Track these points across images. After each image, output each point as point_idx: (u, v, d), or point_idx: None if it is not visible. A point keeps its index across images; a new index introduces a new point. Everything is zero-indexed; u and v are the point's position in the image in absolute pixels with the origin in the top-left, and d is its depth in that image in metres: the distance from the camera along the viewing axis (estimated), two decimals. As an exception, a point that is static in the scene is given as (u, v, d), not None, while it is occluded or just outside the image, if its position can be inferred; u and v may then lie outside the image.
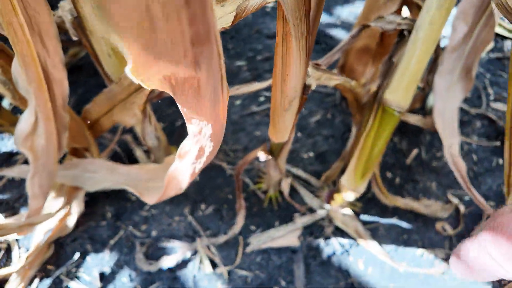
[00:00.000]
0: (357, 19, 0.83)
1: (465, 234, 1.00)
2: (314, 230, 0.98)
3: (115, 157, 1.05)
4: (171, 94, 0.34)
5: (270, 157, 0.76)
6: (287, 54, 0.42)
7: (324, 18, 1.44)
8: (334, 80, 0.59)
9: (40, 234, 0.89)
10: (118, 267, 0.91)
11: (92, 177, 0.81)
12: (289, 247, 0.96)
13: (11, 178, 1.03)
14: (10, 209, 0.98)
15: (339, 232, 0.98)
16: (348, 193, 0.90)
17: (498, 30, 1.45)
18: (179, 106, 0.37)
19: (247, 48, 1.33)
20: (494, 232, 0.40)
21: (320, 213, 0.99)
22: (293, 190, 1.03)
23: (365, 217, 1.01)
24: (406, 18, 0.70)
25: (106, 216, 0.98)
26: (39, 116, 0.61)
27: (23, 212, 0.96)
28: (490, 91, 1.28)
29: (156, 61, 0.24)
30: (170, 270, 0.91)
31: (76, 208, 0.93)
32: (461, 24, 0.92)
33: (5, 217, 0.93)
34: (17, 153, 1.08)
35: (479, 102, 1.25)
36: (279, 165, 0.81)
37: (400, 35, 0.72)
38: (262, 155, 0.75)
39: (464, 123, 1.20)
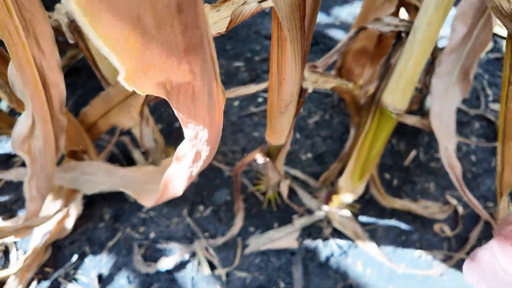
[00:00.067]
0: (355, 20, 0.83)
1: (464, 235, 1.00)
2: (312, 232, 0.98)
3: (113, 159, 1.05)
4: (166, 99, 0.34)
5: (267, 159, 0.76)
6: (283, 59, 0.42)
7: (323, 18, 1.44)
8: (331, 83, 0.59)
9: (38, 236, 0.89)
10: (116, 269, 0.91)
11: (89, 180, 0.81)
12: (288, 248, 0.96)
13: (9, 180, 1.02)
14: (8, 211, 0.98)
15: (337, 234, 0.98)
16: (346, 195, 0.89)
17: (497, 30, 1.45)
18: (175, 111, 0.37)
19: (245, 49, 1.33)
20: (502, 241, 0.40)
21: (319, 214, 0.99)
22: (291, 192, 1.03)
23: (363, 218, 1.01)
24: (403, 19, 0.70)
25: (104, 218, 0.98)
26: (36, 119, 0.61)
27: (21, 214, 0.96)
28: (489, 92, 1.28)
29: (149, 70, 0.24)
30: (168, 272, 0.91)
31: (74, 210, 0.93)
32: (460, 25, 0.92)
33: (3, 219, 0.93)
34: (15, 155, 1.07)
35: (478, 103, 1.25)
36: (277, 167, 0.81)
37: (398, 36, 0.72)
38: (259, 158, 0.75)
39: (463, 124, 1.20)
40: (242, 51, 1.32)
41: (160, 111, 1.16)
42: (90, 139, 0.85)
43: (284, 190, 0.95)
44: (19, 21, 0.48)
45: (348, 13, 1.47)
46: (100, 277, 0.90)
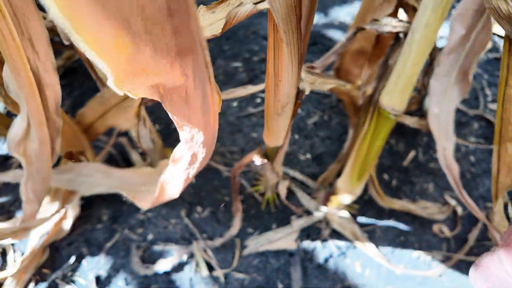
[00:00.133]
0: (353, 20, 0.83)
1: (463, 236, 1.00)
2: (311, 233, 0.98)
3: (111, 160, 1.05)
4: (160, 101, 0.34)
5: (265, 160, 0.76)
6: (279, 60, 0.41)
7: (322, 19, 1.44)
8: (328, 84, 0.59)
9: (36, 238, 0.89)
10: (114, 270, 0.91)
11: (86, 181, 0.81)
12: (286, 249, 0.95)
13: (6, 182, 1.02)
14: (6, 212, 0.97)
15: (336, 235, 0.98)
16: (345, 196, 0.89)
17: (497, 29, 1.45)
18: (169, 114, 0.37)
19: (243, 49, 1.33)
20: (509, 249, 0.40)
21: (317, 215, 0.99)
22: (290, 192, 1.03)
23: (362, 219, 1.01)
24: (401, 20, 0.70)
25: (102, 219, 0.97)
26: (31, 121, 0.60)
27: (19, 216, 0.95)
28: (488, 92, 1.28)
29: (140, 74, 0.24)
30: (166, 273, 0.91)
31: (72, 212, 0.93)
32: (459, 25, 0.92)
33: (0, 221, 0.92)
34: (12, 157, 1.07)
35: (477, 103, 1.24)
36: (275, 169, 0.80)
37: (396, 37, 0.72)
38: (257, 159, 0.74)
39: (462, 124, 1.20)
40: (240, 52, 1.32)
41: (158, 112, 1.16)
42: (87, 140, 0.85)
43: (283, 191, 0.95)
44: (12, 22, 0.48)
45: (347, 13, 1.46)
46: (98, 278, 0.90)
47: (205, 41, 0.26)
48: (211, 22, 0.38)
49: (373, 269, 0.94)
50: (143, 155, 1.03)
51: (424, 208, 1.01)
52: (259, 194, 1.03)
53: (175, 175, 0.56)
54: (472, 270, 0.54)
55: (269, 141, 0.67)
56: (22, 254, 0.91)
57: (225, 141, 1.12)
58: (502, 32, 1.43)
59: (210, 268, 0.92)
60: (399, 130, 1.15)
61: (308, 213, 1.00)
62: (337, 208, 0.97)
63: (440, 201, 1.05)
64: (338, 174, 0.97)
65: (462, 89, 0.95)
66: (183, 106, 0.33)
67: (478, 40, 0.90)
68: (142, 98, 0.67)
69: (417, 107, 1.12)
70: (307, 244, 0.96)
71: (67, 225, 0.92)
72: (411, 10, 0.76)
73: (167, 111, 0.35)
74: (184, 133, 0.41)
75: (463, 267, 0.95)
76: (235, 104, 1.19)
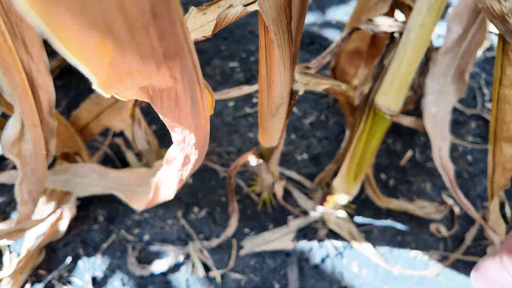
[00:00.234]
0: (348, 20, 0.83)
1: (460, 235, 1.00)
2: (308, 233, 0.98)
3: (107, 161, 1.04)
4: (150, 103, 0.33)
5: (261, 161, 0.76)
6: (271, 62, 0.41)
7: (319, 18, 1.44)
8: (323, 84, 0.59)
9: (32, 238, 0.89)
10: (110, 271, 0.91)
11: (82, 182, 0.81)
12: (283, 250, 0.95)
13: (1, 182, 1.02)
14: (1, 213, 0.97)
15: (333, 235, 0.98)
16: (341, 196, 0.89)
17: (494, 28, 1.44)
18: (160, 116, 0.37)
19: (240, 49, 1.32)
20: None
21: (314, 215, 0.99)
22: (287, 193, 1.03)
23: (359, 219, 1.01)
24: (396, 20, 0.69)
25: (99, 220, 0.97)
26: (25, 122, 0.60)
27: (14, 217, 0.95)
28: (486, 91, 1.28)
29: (126, 77, 0.23)
30: (163, 274, 0.91)
31: (68, 212, 0.92)
32: (456, 25, 0.92)
33: (-4, 222, 0.92)
34: (7, 158, 1.07)
35: (474, 103, 1.24)
36: (270, 169, 0.80)
37: (391, 37, 0.72)
38: (252, 159, 0.74)
39: (459, 123, 1.20)
40: (237, 52, 1.32)
41: (154, 113, 1.16)
42: (82, 141, 0.85)
43: (279, 191, 0.95)
44: (5, 25, 0.48)
45: (344, 13, 1.46)
46: (94, 279, 0.90)
47: (193, 43, 0.26)
48: (202, 24, 0.38)
49: (370, 269, 0.94)
50: (139, 155, 1.02)
51: (421, 208, 1.01)
52: (256, 194, 1.03)
53: (169, 176, 0.56)
54: (473, 275, 0.53)
55: (264, 141, 0.67)
56: (18, 255, 0.91)
57: (221, 142, 1.12)
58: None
59: (207, 268, 0.92)
60: (396, 129, 1.15)
61: (305, 213, 1.00)
62: (334, 208, 0.97)
63: (437, 201, 1.05)
64: (335, 174, 0.97)
65: (459, 89, 0.95)
66: (173, 108, 0.33)
67: (475, 39, 0.90)
68: (136, 99, 0.67)
69: (414, 106, 1.12)
70: (303, 244, 0.96)
71: (63, 226, 0.92)
72: (407, 9, 0.75)
73: (157, 113, 0.35)
74: (175, 134, 0.41)
75: (460, 266, 0.95)
76: (231, 104, 1.19)
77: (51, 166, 0.91)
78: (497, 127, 0.65)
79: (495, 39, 1.42)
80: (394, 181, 1.08)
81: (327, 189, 1.01)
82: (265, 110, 0.55)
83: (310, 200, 1.01)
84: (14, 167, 1.04)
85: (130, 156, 1.01)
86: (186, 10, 0.43)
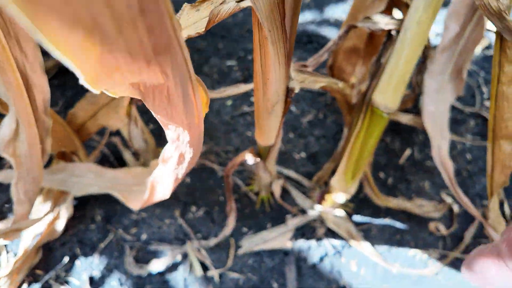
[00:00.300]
0: (346, 18, 0.82)
1: (459, 233, 0.99)
2: (306, 232, 0.97)
3: (104, 160, 1.04)
4: (142, 100, 0.33)
5: (258, 159, 0.75)
6: (265, 59, 0.41)
7: (317, 16, 1.43)
8: (319, 82, 0.58)
9: (29, 238, 0.88)
10: (107, 271, 0.90)
11: (78, 181, 0.80)
12: (281, 249, 0.95)
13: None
14: (-1, 213, 0.97)
15: (331, 233, 0.97)
16: (339, 194, 0.89)
17: (493, 26, 1.44)
18: (153, 113, 0.37)
19: (238, 48, 1.32)
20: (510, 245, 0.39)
21: (312, 214, 0.98)
22: (285, 191, 1.02)
23: (357, 217, 1.00)
24: (393, 18, 0.69)
25: (96, 220, 0.97)
26: (20, 122, 0.60)
27: (11, 216, 0.95)
28: (484, 89, 1.27)
29: (114, 73, 0.23)
30: (160, 273, 0.90)
31: (65, 212, 0.92)
32: (453, 23, 0.91)
33: (-7, 222, 0.92)
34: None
35: (473, 101, 1.24)
36: (268, 168, 0.80)
37: (389, 35, 0.71)
38: (250, 158, 0.74)
39: (458, 122, 1.19)
40: (235, 50, 1.31)
41: (151, 112, 1.15)
42: (79, 140, 0.84)
43: (277, 190, 0.95)
44: (-2, 22, 0.47)
45: (342, 11, 1.46)
46: (91, 279, 0.89)
47: (183, 38, 0.26)
48: (195, 20, 0.37)
49: (369, 268, 0.93)
50: (136, 155, 1.02)
51: (420, 206, 1.01)
52: (254, 193, 1.03)
53: (165, 175, 0.56)
54: (465, 268, 0.52)
55: (261, 140, 0.67)
56: (15, 255, 0.91)
57: (219, 141, 1.11)
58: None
59: (205, 268, 0.91)
60: (395, 128, 1.15)
61: (303, 212, 1.00)
62: (332, 207, 0.97)
63: (436, 199, 1.05)
64: (333, 172, 0.96)
65: (457, 87, 0.95)
66: (166, 105, 0.32)
67: (472, 37, 0.90)
68: (132, 98, 0.66)
69: (412, 104, 1.12)
70: (302, 243, 0.96)
71: (60, 225, 0.91)
72: (404, 7, 0.75)
73: (150, 110, 0.35)
74: (170, 132, 0.41)
75: (460, 265, 0.94)
76: (229, 103, 1.19)
77: (48, 165, 0.90)
78: (496, 125, 0.65)
79: (493, 37, 1.41)
80: (393, 179, 1.07)
81: (325, 188, 1.01)
82: (261, 108, 0.55)
83: (308, 199, 1.01)
84: (11, 167, 1.03)
85: (127, 156, 1.01)
86: (179, 7, 0.43)
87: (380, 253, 0.95)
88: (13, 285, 0.85)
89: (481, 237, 0.99)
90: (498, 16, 0.51)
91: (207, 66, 1.27)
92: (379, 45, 0.82)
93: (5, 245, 0.92)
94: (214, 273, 0.91)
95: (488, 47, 1.40)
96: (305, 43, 1.35)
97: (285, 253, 0.94)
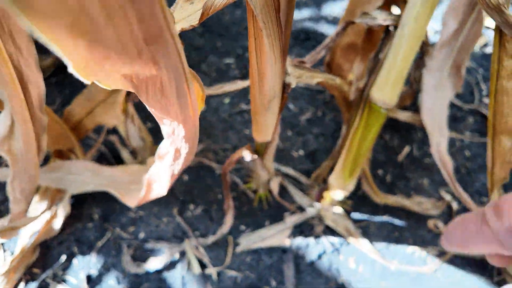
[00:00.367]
0: (343, 14, 0.82)
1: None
2: (304, 229, 0.97)
3: (102, 159, 1.03)
4: (136, 93, 0.33)
5: (255, 156, 0.75)
6: (261, 53, 0.40)
7: (315, 14, 1.43)
8: (316, 78, 0.58)
9: (26, 237, 0.88)
10: (105, 269, 0.90)
11: (75, 180, 0.80)
12: (279, 246, 0.95)
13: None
14: (-4, 212, 0.96)
15: (330, 231, 0.97)
16: (337, 192, 0.88)
17: (492, 24, 1.44)
18: (147, 107, 0.36)
19: (236, 46, 1.31)
20: (497, 207, 0.37)
21: (310, 212, 0.98)
22: (283, 189, 1.02)
23: (356, 215, 1.00)
24: (391, 13, 0.69)
25: (93, 218, 0.96)
26: (15, 118, 0.59)
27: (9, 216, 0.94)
28: (483, 86, 1.27)
29: (104, 61, 0.23)
30: (158, 271, 0.90)
31: (62, 210, 0.91)
32: (451, 20, 0.91)
33: (-10, 220, 0.91)
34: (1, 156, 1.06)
35: (472, 98, 1.24)
36: (265, 165, 0.79)
37: (386, 31, 0.71)
38: (247, 155, 0.74)
39: (457, 119, 1.19)
40: (233, 48, 1.31)
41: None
42: (76, 138, 0.84)
43: (275, 187, 0.94)
44: (-9, 17, 0.47)
45: (340, 8, 1.45)
46: (89, 277, 0.89)
47: (176, 29, 0.25)
48: (189, 13, 0.37)
49: (367, 265, 0.93)
50: (134, 153, 1.02)
51: (419, 204, 1.00)
52: (252, 191, 1.02)
53: (161, 172, 0.56)
54: (444, 235, 0.49)
55: (258, 136, 0.66)
56: (12, 254, 0.90)
57: (217, 139, 1.11)
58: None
59: (203, 266, 0.91)
60: (393, 125, 1.15)
61: (301, 209, 1.00)
62: (330, 204, 0.96)
63: (435, 196, 1.04)
64: (331, 170, 0.96)
65: (455, 83, 0.95)
66: (160, 98, 0.32)
67: (471, 34, 0.90)
68: (129, 95, 0.66)
69: (411, 102, 1.12)
70: (300, 240, 0.95)
71: (58, 224, 0.91)
72: (402, 3, 0.75)
73: (144, 104, 0.34)
74: (165, 126, 0.41)
75: (458, 262, 0.94)
76: (227, 101, 1.18)
77: (44, 164, 0.90)
78: (496, 120, 0.65)
79: (491, 35, 1.41)
80: (391, 177, 1.07)
81: (324, 186, 1.00)
82: (257, 104, 0.54)
83: (306, 197, 1.00)
84: (8, 165, 1.03)
85: (125, 154, 1.00)
86: (173, 1, 0.42)
87: (379, 250, 0.95)
88: (10, 283, 0.85)
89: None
90: (497, 10, 0.51)
91: (205, 64, 1.26)
92: (377, 41, 0.82)
93: (2, 244, 0.92)
94: (212, 271, 0.90)
95: (486, 45, 1.40)
96: (303, 40, 1.34)
97: (283, 250, 0.94)
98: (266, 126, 0.60)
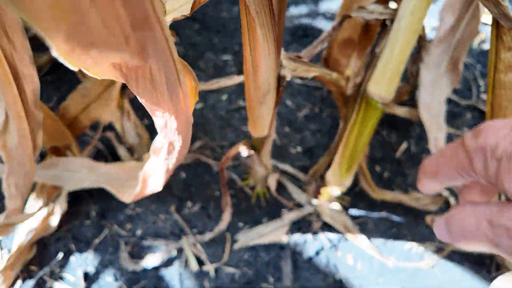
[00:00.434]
0: (339, 9, 0.81)
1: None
2: (302, 226, 0.97)
3: (98, 156, 1.03)
4: (126, 83, 0.32)
5: (252, 152, 0.75)
6: (255, 45, 0.40)
7: (313, 10, 1.43)
8: (312, 71, 0.58)
9: (22, 234, 0.88)
10: (102, 266, 0.90)
11: (72, 176, 0.80)
12: (277, 243, 0.94)
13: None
14: (-8, 209, 0.96)
15: (327, 227, 0.97)
16: (334, 188, 0.88)
17: (489, 20, 1.43)
18: (138, 98, 0.36)
19: (233, 42, 1.31)
20: (477, 129, 0.36)
21: (308, 208, 0.98)
22: (280, 186, 1.02)
23: (353, 211, 1.00)
24: (388, 7, 0.68)
25: (90, 215, 0.96)
26: (9, 114, 0.59)
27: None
28: (481, 82, 1.27)
29: (90, 47, 0.22)
30: (156, 268, 0.90)
31: (59, 208, 0.91)
32: (448, 15, 0.91)
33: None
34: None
35: (470, 94, 1.23)
36: (263, 161, 0.79)
37: (383, 25, 0.71)
38: (244, 150, 0.73)
39: (454, 115, 1.19)
40: (230, 45, 1.31)
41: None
42: (72, 134, 0.84)
43: (272, 184, 0.94)
44: (-17, 10, 0.47)
45: (338, 5, 1.45)
46: (86, 275, 0.89)
47: (164, 15, 0.25)
48: (181, 4, 0.37)
49: (365, 262, 0.93)
50: (130, 150, 1.01)
51: (417, 199, 1.00)
52: (249, 188, 1.02)
53: (156, 167, 0.55)
54: (439, 223, 0.46)
55: (254, 131, 0.66)
56: (9, 251, 0.90)
57: (214, 136, 1.11)
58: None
59: (200, 262, 0.91)
60: (391, 121, 1.14)
61: (299, 206, 0.99)
62: (328, 200, 0.96)
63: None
64: (329, 166, 0.96)
65: (453, 79, 0.95)
66: (150, 88, 0.32)
67: (468, 29, 0.90)
68: (124, 91, 0.66)
69: (408, 97, 1.11)
70: (298, 237, 0.95)
71: (55, 221, 0.91)
72: (398, -3, 0.74)
73: (135, 94, 0.34)
74: (157, 119, 0.40)
75: (456, 258, 0.94)
76: (224, 97, 1.18)
77: (41, 160, 0.89)
78: (494, 114, 0.65)
79: (488, 31, 1.41)
80: (389, 173, 1.07)
81: (321, 182, 1.00)
82: (252, 98, 0.54)
83: (304, 193, 1.00)
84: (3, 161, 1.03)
85: (121, 151, 1.00)
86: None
87: (376, 246, 0.95)
88: (7, 281, 0.84)
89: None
90: (494, 2, 0.51)
91: (202, 61, 1.26)
92: (373, 36, 0.81)
93: (-1, 241, 0.92)
94: (209, 267, 0.90)
95: (484, 41, 1.39)
96: (300, 37, 1.34)
97: (281, 247, 0.94)
98: (262, 121, 0.60)
